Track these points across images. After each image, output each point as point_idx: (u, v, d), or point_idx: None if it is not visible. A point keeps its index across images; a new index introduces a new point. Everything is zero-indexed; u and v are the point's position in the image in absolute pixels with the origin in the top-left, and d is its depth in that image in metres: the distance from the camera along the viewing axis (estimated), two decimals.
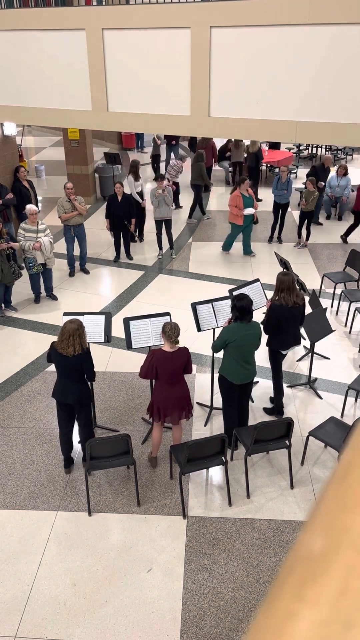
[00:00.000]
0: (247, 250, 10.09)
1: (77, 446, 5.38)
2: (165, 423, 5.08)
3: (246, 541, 4.49)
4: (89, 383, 5.06)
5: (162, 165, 15.33)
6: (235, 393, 5.16)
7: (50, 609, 3.99)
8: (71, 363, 4.74)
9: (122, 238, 9.79)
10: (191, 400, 5.09)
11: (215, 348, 5.11)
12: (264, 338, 5.32)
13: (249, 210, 9.57)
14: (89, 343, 5.42)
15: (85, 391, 4.96)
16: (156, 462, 5.25)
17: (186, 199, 12.51)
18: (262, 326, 5.32)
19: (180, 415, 4.96)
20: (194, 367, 6.69)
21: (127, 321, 5.40)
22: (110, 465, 4.78)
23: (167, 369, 4.75)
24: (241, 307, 4.89)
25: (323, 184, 10.97)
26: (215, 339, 5.15)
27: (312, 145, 17.10)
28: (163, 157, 15.67)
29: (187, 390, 4.98)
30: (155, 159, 14.55)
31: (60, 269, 9.27)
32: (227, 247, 10.20)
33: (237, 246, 10.55)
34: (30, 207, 7.98)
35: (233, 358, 4.98)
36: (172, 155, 15.09)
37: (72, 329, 4.70)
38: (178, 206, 12.62)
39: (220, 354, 5.22)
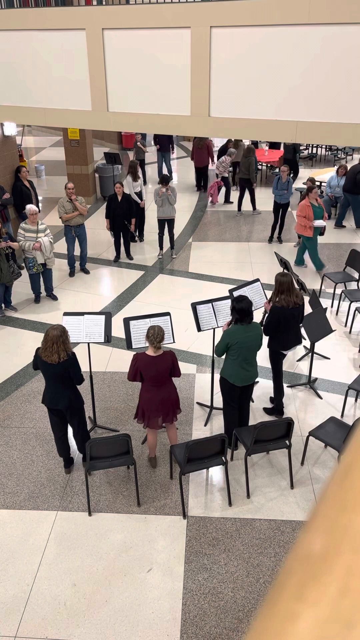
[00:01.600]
0: (319, 265, 9.20)
1: (75, 446, 5.37)
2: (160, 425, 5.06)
3: (246, 541, 4.49)
4: (85, 384, 5.03)
5: (151, 170, 15.07)
6: (236, 394, 5.16)
7: (51, 609, 3.99)
8: (58, 370, 4.68)
9: (122, 238, 9.79)
10: (179, 403, 5.01)
11: (218, 352, 5.09)
12: (265, 339, 5.31)
13: (319, 223, 8.80)
14: (88, 343, 5.44)
15: (75, 396, 4.90)
16: (156, 462, 5.25)
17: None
18: (262, 327, 5.31)
19: (164, 418, 4.91)
20: (194, 367, 6.71)
21: (127, 321, 5.40)
22: (110, 465, 4.78)
23: (151, 372, 4.73)
24: (241, 308, 4.88)
25: None
26: (217, 343, 5.14)
27: (312, 145, 17.10)
28: (147, 159, 15.24)
29: (174, 393, 4.92)
30: (140, 164, 13.97)
31: (61, 269, 9.27)
32: (301, 261, 9.43)
33: (239, 247, 10.55)
34: (30, 207, 7.98)
35: (234, 360, 4.97)
36: (164, 163, 14.71)
37: (55, 335, 4.61)
38: (228, 202, 13.01)
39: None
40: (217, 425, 5.74)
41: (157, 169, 14.89)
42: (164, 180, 9.33)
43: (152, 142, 14.49)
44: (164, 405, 4.85)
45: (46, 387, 4.90)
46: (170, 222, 9.64)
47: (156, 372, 4.73)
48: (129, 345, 5.36)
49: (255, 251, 10.23)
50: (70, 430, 5.17)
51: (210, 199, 13.04)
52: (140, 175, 10.47)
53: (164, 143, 14.25)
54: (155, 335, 4.68)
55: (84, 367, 5.09)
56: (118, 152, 15.32)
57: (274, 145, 15.94)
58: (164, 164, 14.70)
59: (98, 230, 10.87)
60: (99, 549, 4.44)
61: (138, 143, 13.91)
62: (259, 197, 12.52)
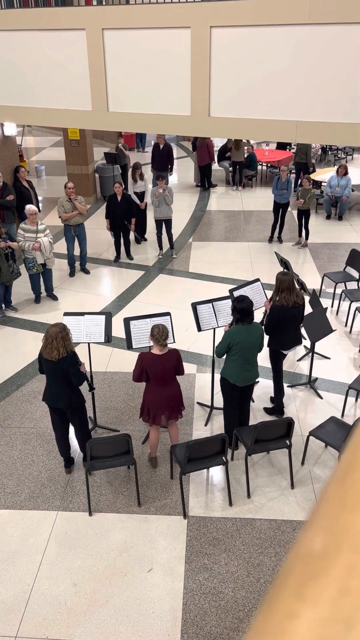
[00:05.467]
0: None
1: (76, 446, 5.38)
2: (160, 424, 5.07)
3: (247, 541, 4.49)
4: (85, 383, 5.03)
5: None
6: (237, 394, 5.16)
7: (51, 609, 3.99)
8: (58, 367, 4.68)
9: (122, 238, 9.79)
10: (183, 400, 5.04)
11: (219, 353, 5.09)
12: (265, 339, 5.31)
13: None
14: (89, 343, 5.44)
15: (76, 395, 4.88)
16: (156, 462, 5.25)
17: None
18: (262, 326, 5.31)
19: (169, 415, 4.93)
20: (194, 367, 6.70)
21: (127, 321, 5.40)
22: (111, 465, 4.78)
23: (157, 371, 4.75)
24: (242, 308, 4.89)
25: None
26: (217, 343, 5.13)
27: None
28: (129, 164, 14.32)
29: (178, 390, 4.95)
30: (125, 169, 12.80)
31: (61, 269, 9.27)
32: None
33: (239, 247, 10.55)
34: (29, 207, 7.98)
35: (235, 360, 4.97)
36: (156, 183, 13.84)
37: (54, 332, 4.64)
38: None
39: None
40: (218, 425, 5.74)
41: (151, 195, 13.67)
42: (160, 177, 9.35)
43: (150, 166, 12.55)
44: (169, 403, 4.87)
45: (47, 385, 4.90)
46: (168, 223, 9.64)
47: (162, 370, 4.75)
48: (129, 345, 5.36)
49: (255, 251, 10.23)
50: (71, 429, 5.17)
51: None
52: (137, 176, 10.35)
53: (162, 166, 12.19)
54: (160, 334, 4.70)
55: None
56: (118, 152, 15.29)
57: (281, 146, 15.81)
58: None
59: (98, 230, 10.87)
60: (99, 549, 4.45)
61: (120, 145, 13.39)
62: (260, 197, 12.53)
